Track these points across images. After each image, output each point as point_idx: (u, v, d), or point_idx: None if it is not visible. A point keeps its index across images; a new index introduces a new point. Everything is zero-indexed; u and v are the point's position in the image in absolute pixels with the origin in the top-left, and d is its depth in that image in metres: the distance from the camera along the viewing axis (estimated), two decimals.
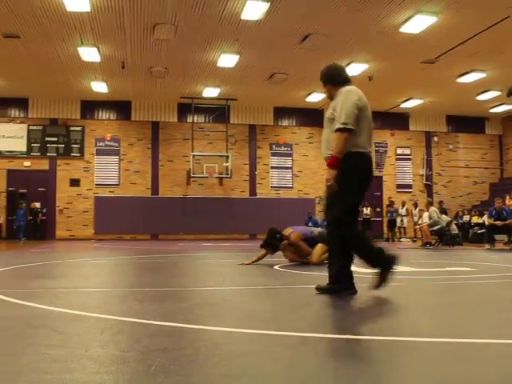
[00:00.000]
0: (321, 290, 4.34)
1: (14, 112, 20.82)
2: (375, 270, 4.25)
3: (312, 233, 7.71)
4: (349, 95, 4.26)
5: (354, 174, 4.19)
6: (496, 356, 2.42)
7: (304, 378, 2.04)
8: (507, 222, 13.39)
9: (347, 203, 4.24)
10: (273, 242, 7.51)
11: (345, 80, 4.47)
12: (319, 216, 20.46)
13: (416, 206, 19.98)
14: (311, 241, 7.51)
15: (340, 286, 4.27)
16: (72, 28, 13.56)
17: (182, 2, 12.17)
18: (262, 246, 7.67)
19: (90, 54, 15.32)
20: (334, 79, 4.50)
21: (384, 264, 4.21)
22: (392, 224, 20.65)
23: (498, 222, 13.51)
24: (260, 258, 7.66)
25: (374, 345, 2.66)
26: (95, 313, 3.53)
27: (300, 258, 7.59)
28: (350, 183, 4.18)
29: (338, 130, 4.14)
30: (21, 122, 20.75)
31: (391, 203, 21.08)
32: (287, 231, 7.61)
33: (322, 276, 6.45)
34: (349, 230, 4.24)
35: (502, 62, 16.16)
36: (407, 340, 2.76)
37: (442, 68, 16.63)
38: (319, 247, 7.37)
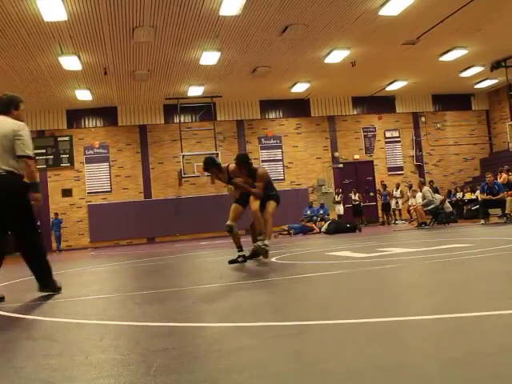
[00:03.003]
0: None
1: None
2: None
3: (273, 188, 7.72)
4: None
5: None
6: (496, 327, 2.43)
7: (306, 366, 2.04)
8: (499, 196, 13.44)
9: None
10: (215, 163, 7.43)
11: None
12: (315, 205, 20.55)
13: (411, 187, 20.03)
14: (268, 189, 7.56)
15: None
16: (51, 38, 13.47)
17: (159, 3, 12.10)
18: (205, 170, 7.64)
19: (70, 62, 15.20)
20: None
21: None
22: (386, 207, 20.70)
23: (490, 197, 13.54)
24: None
25: (379, 326, 2.66)
26: (95, 320, 3.52)
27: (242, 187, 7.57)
28: None
29: None
30: None
31: (384, 186, 21.13)
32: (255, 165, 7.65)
33: (317, 264, 6.46)
34: None
35: (482, 38, 16.19)
36: (408, 319, 2.77)
37: (424, 48, 16.64)
38: (273, 205, 7.54)
